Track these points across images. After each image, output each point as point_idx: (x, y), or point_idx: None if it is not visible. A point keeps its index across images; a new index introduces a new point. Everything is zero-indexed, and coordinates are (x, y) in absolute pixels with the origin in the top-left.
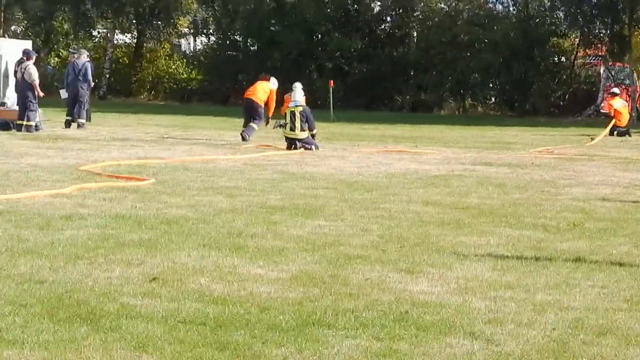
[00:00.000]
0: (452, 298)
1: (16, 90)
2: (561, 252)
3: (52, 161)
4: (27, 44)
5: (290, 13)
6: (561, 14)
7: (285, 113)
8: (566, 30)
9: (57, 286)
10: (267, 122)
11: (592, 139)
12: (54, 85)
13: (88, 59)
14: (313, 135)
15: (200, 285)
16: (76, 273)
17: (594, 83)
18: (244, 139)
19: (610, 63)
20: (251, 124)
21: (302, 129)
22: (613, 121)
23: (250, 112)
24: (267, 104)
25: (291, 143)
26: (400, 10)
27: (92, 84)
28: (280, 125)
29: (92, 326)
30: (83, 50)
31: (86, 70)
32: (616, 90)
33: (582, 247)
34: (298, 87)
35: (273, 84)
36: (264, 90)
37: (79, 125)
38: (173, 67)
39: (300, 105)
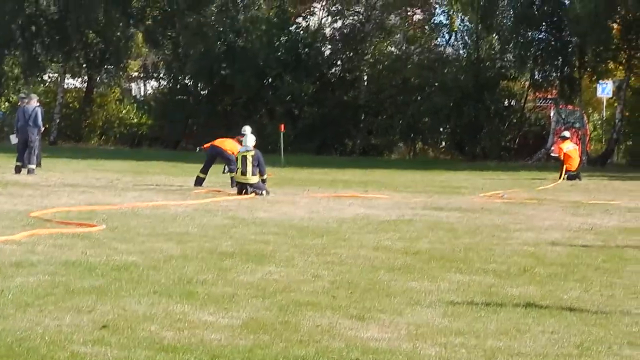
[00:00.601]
0: (403, 344)
1: None
2: (512, 298)
3: (1, 207)
4: None
5: (241, 57)
6: (511, 57)
7: (237, 158)
8: (516, 73)
9: (7, 334)
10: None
11: (547, 185)
12: (4, 131)
13: (38, 104)
14: (263, 180)
15: (150, 333)
16: (26, 321)
17: (544, 126)
18: (198, 183)
19: (560, 106)
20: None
21: (254, 174)
22: (564, 165)
23: (214, 160)
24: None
25: (242, 188)
26: (351, 54)
27: (43, 129)
28: (230, 170)
29: None
30: (33, 95)
31: (36, 115)
32: (567, 133)
33: (532, 292)
34: (248, 130)
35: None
36: (232, 147)
37: (29, 171)
38: (124, 111)
39: (252, 150)
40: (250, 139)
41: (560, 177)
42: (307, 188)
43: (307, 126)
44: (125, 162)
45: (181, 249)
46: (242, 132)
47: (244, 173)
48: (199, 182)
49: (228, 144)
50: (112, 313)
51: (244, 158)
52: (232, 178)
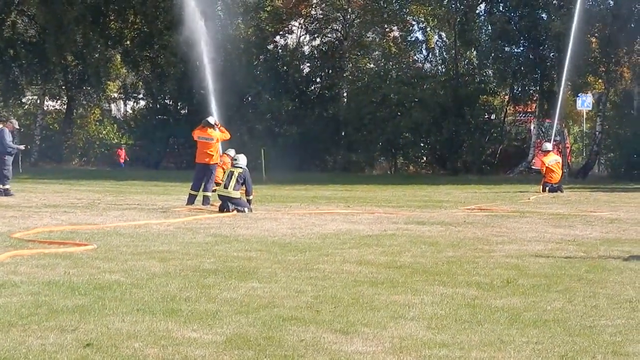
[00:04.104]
0: (387, 358)
1: None
2: (495, 309)
3: None
4: None
5: (220, 76)
6: (490, 72)
7: (225, 171)
8: (495, 88)
9: None
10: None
11: (529, 198)
12: None
13: (1, 126)
14: (249, 201)
15: (134, 350)
16: (9, 340)
17: (524, 140)
18: (191, 201)
19: (540, 119)
20: (205, 193)
21: (235, 189)
22: (545, 178)
23: (203, 176)
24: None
25: (223, 205)
26: (330, 71)
27: (10, 149)
28: (205, 189)
29: None
30: (3, 118)
31: (3, 136)
32: (548, 146)
33: (516, 303)
34: (240, 156)
35: (215, 127)
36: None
37: (4, 192)
38: (104, 132)
39: (241, 168)
40: (242, 159)
41: (542, 190)
42: (288, 204)
43: (287, 143)
44: (106, 182)
45: (164, 266)
46: (235, 158)
47: (226, 187)
48: (191, 200)
49: (220, 174)
50: (95, 331)
51: (231, 173)
52: (204, 196)
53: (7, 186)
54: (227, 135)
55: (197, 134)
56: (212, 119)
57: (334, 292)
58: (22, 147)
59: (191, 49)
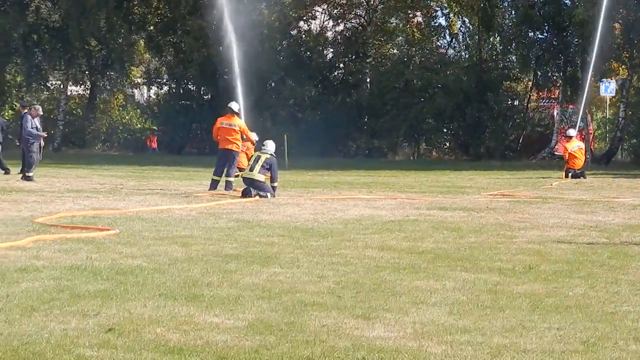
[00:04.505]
0: (409, 343)
1: None
2: (517, 295)
3: (6, 214)
4: None
5: (243, 62)
6: (513, 58)
7: (252, 156)
8: (519, 74)
9: (13, 339)
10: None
11: (551, 184)
12: (7, 138)
13: (25, 111)
14: (274, 188)
15: (156, 335)
16: (32, 325)
17: (547, 126)
18: (213, 187)
19: (563, 105)
20: (228, 178)
21: (260, 172)
22: (567, 164)
23: (226, 162)
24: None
25: (246, 190)
26: (353, 57)
27: (31, 135)
28: (227, 174)
29: None
30: (26, 103)
31: (24, 122)
32: (572, 132)
33: (538, 289)
34: (269, 142)
35: (239, 116)
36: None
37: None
38: (127, 117)
39: (269, 154)
40: (270, 145)
41: (565, 176)
42: (311, 190)
43: (310, 129)
44: (129, 167)
45: (186, 251)
46: (263, 143)
47: (251, 169)
48: (213, 185)
49: (244, 160)
50: (117, 316)
51: (257, 157)
52: (227, 182)
53: (29, 173)
54: (250, 136)
55: (220, 120)
56: (236, 106)
57: (356, 277)
58: (43, 134)
59: (215, 33)
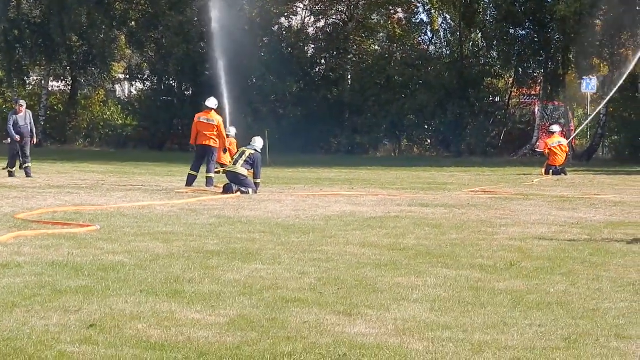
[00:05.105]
0: (390, 340)
1: None
2: (498, 292)
3: None
4: None
5: (225, 57)
6: (495, 54)
7: (237, 150)
8: (500, 70)
9: None
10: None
11: (533, 181)
12: None
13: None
14: (257, 184)
15: (138, 331)
16: (13, 321)
17: (529, 122)
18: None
19: (544, 102)
20: (208, 174)
21: (243, 167)
22: (547, 160)
23: (204, 158)
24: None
25: (228, 186)
26: (334, 53)
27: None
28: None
29: None
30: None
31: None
32: (554, 128)
33: (519, 286)
34: (257, 138)
35: (216, 112)
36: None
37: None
38: (108, 113)
39: (254, 150)
40: (258, 141)
41: (545, 173)
42: (292, 186)
43: (291, 125)
44: (110, 163)
45: (167, 248)
46: (252, 142)
47: (234, 163)
48: (190, 180)
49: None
50: (99, 312)
51: (243, 152)
52: (208, 178)
53: (12, 169)
54: (223, 132)
55: (197, 115)
56: (213, 102)
57: (338, 274)
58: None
59: (196, 29)
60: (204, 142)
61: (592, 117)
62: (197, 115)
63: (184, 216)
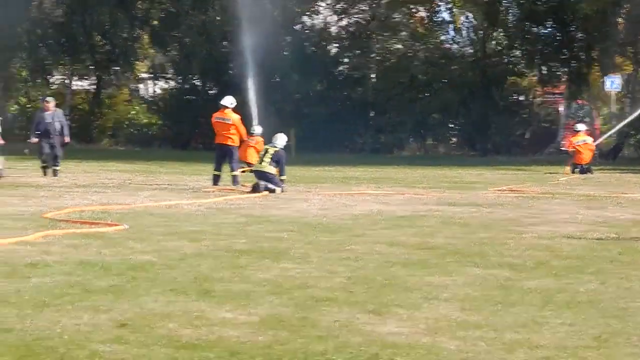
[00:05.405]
0: (422, 339)
1: None
2: (528, 291)
3: (15, 209)
4: None
5: (248, 56)
6: (518, 53)
7: (262, 150)
8: (523, 69)
9: (25, 334)
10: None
11: (559, 179)
12: (14, 133)
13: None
14: (282, 180)
15: (169, 331)
16: (44, 320)
17: (553, 121)
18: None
19: (569, 101)
20: (233, 173)
21: (269, 165)
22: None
23: (225, 157)
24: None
25: (256, 185)
26: (358, 52)
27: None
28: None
29: None
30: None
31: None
32: (579, 126)
33: (549, 285)
34: (279, 135)
35: (233, 111)
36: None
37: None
38: (133, 112)
39: (277, 148)
40: (280, 139)
41: (571, 171)
42: (319, 185)
43: (315, 124)
44: (136, 162)
45: (196, 247)
46: (273, 139)
47: (261, 162)
48: (215, 180)
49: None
50: (129, 312)
51: (267, 151)
52: (233, 176)
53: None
54: (241, 130)
55: (214, 115)
56: (228, 100)
57: (367, 273)
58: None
59: (218, 29)
60: (221, 142)
61: (634, 117)
62: (213, 115)
63: (212, 215)
